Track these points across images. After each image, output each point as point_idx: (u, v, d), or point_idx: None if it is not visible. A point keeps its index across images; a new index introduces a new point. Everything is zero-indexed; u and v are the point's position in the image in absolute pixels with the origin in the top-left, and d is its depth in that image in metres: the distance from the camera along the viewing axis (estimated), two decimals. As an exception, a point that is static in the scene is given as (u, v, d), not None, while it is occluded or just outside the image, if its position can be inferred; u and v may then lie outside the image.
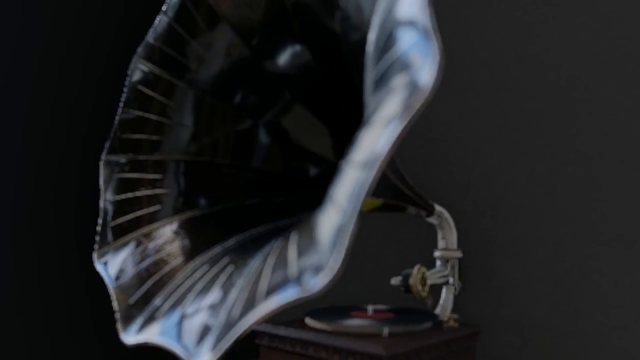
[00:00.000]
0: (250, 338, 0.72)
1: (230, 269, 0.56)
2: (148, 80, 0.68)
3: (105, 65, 0.95)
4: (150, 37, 0.69)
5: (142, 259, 0.63)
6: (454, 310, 0.72)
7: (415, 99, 0.38)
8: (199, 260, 0.62)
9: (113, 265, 0.63)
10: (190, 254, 0.63)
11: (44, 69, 0.90)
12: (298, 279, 0.41)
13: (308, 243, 0.43)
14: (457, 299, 0.72)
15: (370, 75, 0.46)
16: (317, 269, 0.40)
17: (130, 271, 0.62)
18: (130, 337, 0.57)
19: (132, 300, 0.60)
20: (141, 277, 0.61)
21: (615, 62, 0.74)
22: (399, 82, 0.40)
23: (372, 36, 0.48)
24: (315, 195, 0.74)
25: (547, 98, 0.80)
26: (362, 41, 0.52)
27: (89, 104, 0.94)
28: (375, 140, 0.39)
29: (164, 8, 0.68)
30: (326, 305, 0.73)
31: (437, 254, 0.73)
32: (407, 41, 0.41)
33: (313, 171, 0.77)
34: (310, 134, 0.76)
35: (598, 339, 0.74)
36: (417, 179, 0.86)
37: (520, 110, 0.82)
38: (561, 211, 0.77)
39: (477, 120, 0.86)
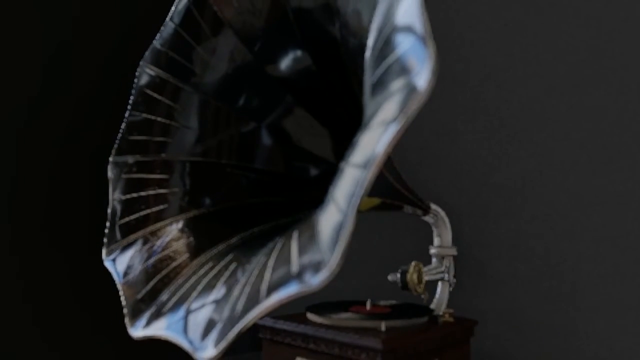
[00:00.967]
0: (253, 332, 0.74)
1: (234, 265, 0.57)
2: (155, 83, 0.69)
3: (113, 69, 0.97)
4: (157, 42, 0.69)
5: (149, 256, 0.63)
6: (449, 306, 0.73)
7: (412, 103, 0.38)
8: (203, 257, 0.63)
9: (121, 262, 0.64)
10: (195, 251, 0.64)
11: (53, 73, 0.91)
12: (299, 276, 0.42)
13: (309, 241, 0.43)
14: (452, 295, 0.74)
15: (368, 79, 0.46)
16: (318, 266, 0.40)
17: (137, 268, 0.63)
18: (138, 331, 0.57)
19: (139, 295, 0.60)
20: (148, 274, 0.62)
21: (610, 61, 0.74)
22: (396, 86, 0.40)
23: (370, 42, 0.48)
24: (315, 195, 0.74)
25: (541, 98, 0.80)
26: (361, 47, 0.52)
27: (98, 107, 0.96)
28: (374, 142, 0.40)
29: (170, 15, 0.69)
30: (327, 300, 0.74)
31: (432, 251, 0.73)
32: (405, 46, 0.41)
33: (314, 172, 0.78)
34: (311, 136, 0.76)
35: (591, 333, 0.74)
36: (414, 179, 0.87)
37: (513, 110, 0.82)
38: (555, 209, 0.78)
39: (472, 121, 0.86)
